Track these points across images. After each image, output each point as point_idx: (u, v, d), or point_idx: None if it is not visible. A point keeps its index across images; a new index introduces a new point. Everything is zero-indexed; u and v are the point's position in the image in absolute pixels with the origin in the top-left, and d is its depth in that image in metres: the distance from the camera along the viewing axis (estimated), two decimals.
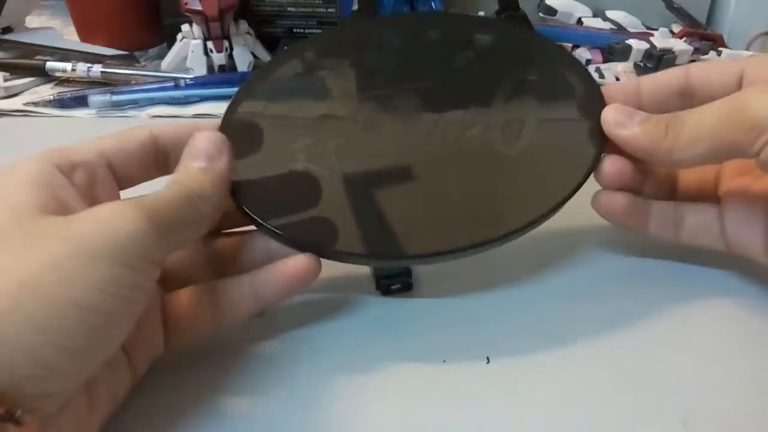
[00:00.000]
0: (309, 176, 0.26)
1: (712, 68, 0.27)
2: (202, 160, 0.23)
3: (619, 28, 0.59)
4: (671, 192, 0.30)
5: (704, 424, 0.22)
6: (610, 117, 0.26)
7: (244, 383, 0.24)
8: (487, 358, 0.25)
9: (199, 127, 0.25)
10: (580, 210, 0.27)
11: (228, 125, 0.26)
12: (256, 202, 0.25)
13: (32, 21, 0.62)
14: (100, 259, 0.18)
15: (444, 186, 0.26)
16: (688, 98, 0.27)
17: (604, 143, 0.26)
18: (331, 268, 0.28)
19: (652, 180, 0.29)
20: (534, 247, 0.30)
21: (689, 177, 0.30)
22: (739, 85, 0.26)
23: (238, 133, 0.26)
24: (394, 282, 0.28)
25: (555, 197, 0.25)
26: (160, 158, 0.24)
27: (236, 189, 0.24)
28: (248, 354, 0.25)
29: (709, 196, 0.29)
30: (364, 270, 0.29)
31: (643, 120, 0.25)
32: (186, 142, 0.24)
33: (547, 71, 0.29)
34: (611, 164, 0.27)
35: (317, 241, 0.25)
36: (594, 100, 0.27)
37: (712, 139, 0.23)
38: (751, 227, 0.26)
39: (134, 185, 0.24)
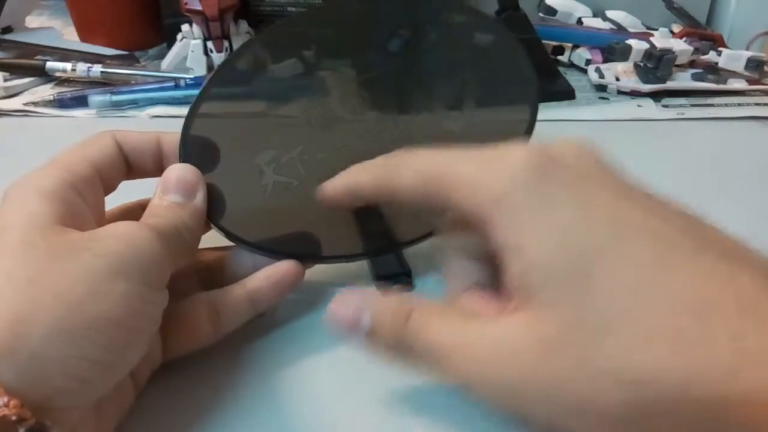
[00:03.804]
0: (280, 187, 0.26)
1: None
2: (179, 196, 0.24)
3: (619, 28, 0.59)
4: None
5: None
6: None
7: (244, 383, 0.24)
8: None
9: (159, 137, 0.25)
10: None
11: (188, 141, 0.25)
12: (235, 221, 0.25)
13: (32, 21, 0.62)
14: (129, 277, 0.19)
15: None
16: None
17: (536, 107, 0.28)
18: (331, 269, 0.28)
19: None
20: None
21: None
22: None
23: (201, 150, 0.25)
24: (394, 282, 0.28)
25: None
26: (126, 163, 0.25)
27: (212, 211, 0.25)
28: (248, 354, 0.25)
29: None
30: (364, 270, 0.29)
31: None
32: (148, 150, 0.25)
33: (472, 41, 0.29)
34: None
35: (300, 250, 0.26)
36: (516, 62, 0.28)
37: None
38: None
39: (111, 191, 0.25)
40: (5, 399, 0.16)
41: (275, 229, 0.26)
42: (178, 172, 0.24)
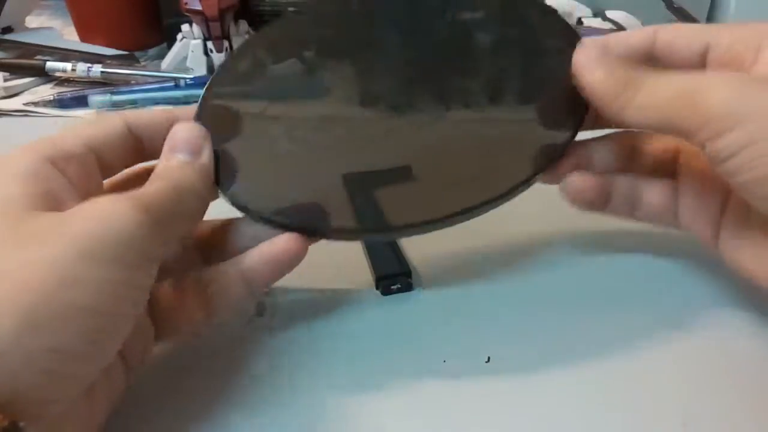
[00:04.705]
0: (291, 158, 0.25)
1: (678, 34, 0.25)
2: (185, 153, 0.23)
3: (619, 28, 0.59)
4: (630, 162, 0.28)
5: (704, 424, 0.22)
6: (579, 57, 0.25)
7: (243, 383, 0.24)
8: (488, 358, 0.25)
9: (174, 115, 0.24)
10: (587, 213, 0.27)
11: (204, 113, 0.26)
12: (243, 189, 0.24)
13: (32, 21, 0.62)
14: (99, 259, 0.18)
15: (426, 156, 0.25)
16: (655, 63, 0.26)
17: (586, 107, 0.25)
18: (331, 268, 0.28)
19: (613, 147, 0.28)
20: (534, 246, 0.30)
21: (650, 147, 0.28)
22: (703, 59, 0.24)
23: (215, 120, 0.25)
24: (394, 282, 0.28)
25: (535, 163, 0.25)
26: (137, 146, 0.24)
27: (220, 178, 0.24)
28: (247, 354, 0.25)
29: (667, 169, 0.27)
30: (364, 270, 0.29)
31: (607, 67, 0.24)
32: (161, 130, 0.24)
33: (527, 33, 0.28)
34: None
35: (308, 221, 0.24)
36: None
37: (661, 113, 0.22)
38: (704, 211, 0.26)
39: (114, 174, 0.24)
40: None
41: (285, 200, 0.24)
42: (184, 130, 0.23)
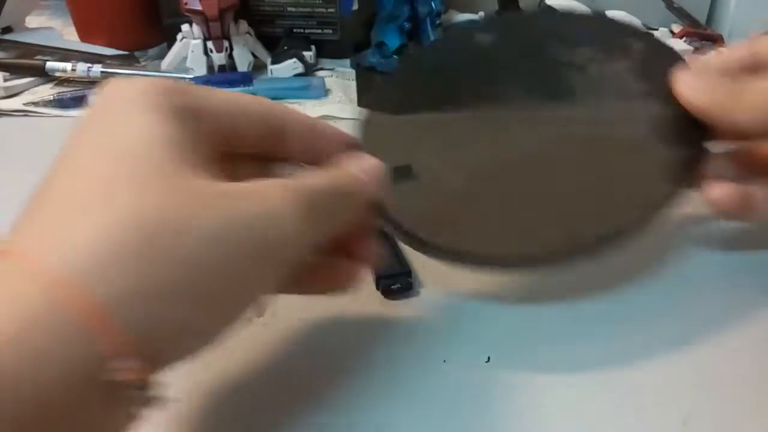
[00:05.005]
0: (433, 176, 0.26)
1: None
2: (369, 177, 0.22)
3: None
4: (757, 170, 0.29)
5: (704, 424, 0.22)
6: (679, 77, 0.26)
7: (243, 383, 0.24)
8: (488, 358, 0.25)
9: (326, 127, 0.24)
10: None
11: (361, 125, 0.27)
12: (406, 216, 0.25)
13: (32, 21, 0.62)
14: (253, 257, 0.17)
15: (562, 184, 0.26)
16: (756, 73, 0.27)
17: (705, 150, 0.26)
18: None
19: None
20: None
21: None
22: None
23: (368, 134, 0.26)
24: (394, 282, 0.28)
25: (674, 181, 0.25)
26: (270, 136, 0.22)
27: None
28: (246, 354, 0.25)
29: None
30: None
31: (707, 82, 0.26)
32: (308, 131, 0.23)
33: (638, 60, 0.29)
34: (718, 192, 0.26)
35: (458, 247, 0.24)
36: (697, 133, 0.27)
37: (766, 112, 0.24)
38: None
39: (235, 151, 0.22)
40: (132, 361, 0.15)
41: (428, 220, 0.25)
42: (374, 161, 0.23)
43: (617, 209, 0.25)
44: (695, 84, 0.26)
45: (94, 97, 0.19)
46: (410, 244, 0.25)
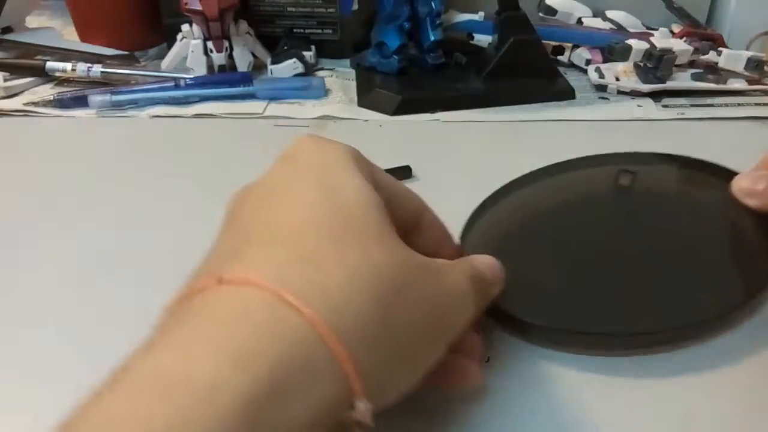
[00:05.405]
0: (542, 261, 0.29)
1: None
2: (491, 275, 0.24)
3: (619, 28, 0.59)
4: None
5: (704, 424, 0.22)
6: (738, 186, 0.29)
7: None
8: (488, 358, 0.25)
9: (444, 227, 0.25)
10: None
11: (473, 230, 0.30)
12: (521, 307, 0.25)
13: (32, 21, 0.62)
14: (452, 329, 0.20)
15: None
16: None
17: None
18: None
19: None
20: None
21: None
22: None
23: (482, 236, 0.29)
24: None
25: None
26: (409, 224, 0.23)
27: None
28: None
29: None
30: None
31: (763, 182, 0.28)
32: (439, 227, 0.25)
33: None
34: None
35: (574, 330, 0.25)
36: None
37: None
38: None
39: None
40: (368, 404, 0.16)
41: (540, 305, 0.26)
42: (495, 260, 0.24)
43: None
44: (753, 186, 0.28)
45: (291, 148, 0.21)
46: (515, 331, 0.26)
